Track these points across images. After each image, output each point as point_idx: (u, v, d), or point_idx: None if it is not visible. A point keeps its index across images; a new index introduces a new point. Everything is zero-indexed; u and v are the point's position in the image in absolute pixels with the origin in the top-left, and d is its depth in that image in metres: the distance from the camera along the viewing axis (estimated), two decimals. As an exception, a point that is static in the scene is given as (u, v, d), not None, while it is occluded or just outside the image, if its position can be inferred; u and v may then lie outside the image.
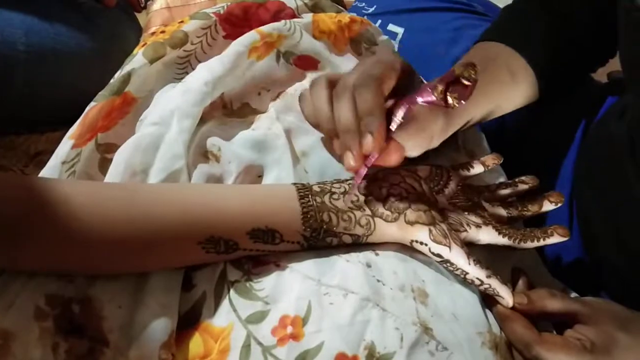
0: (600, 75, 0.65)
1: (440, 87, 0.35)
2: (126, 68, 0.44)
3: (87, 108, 0.42)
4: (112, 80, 0.44)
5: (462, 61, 0.40)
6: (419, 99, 0.35)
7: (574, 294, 0.44)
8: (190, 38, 0.47)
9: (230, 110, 0.47)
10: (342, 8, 0.62)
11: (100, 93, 0.42)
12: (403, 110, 0.36)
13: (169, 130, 0.40)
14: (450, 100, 0.35)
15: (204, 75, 0.44)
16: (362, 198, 0.37)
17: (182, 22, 0.48)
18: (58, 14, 0.60)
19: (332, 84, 0.39)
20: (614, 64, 0.50)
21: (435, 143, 0.43)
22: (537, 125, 0.63)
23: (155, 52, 0.45)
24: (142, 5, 0.72)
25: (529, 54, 0.50)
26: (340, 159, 0.38)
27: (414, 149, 0.41)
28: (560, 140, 0.60)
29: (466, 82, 0.35)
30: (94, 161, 0.41)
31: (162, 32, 0.48)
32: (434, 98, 0.35)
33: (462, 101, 0.35)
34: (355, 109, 0.36)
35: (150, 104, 0.44)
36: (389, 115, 0.37)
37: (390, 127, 0.36)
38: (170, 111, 0.41)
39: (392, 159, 0.37)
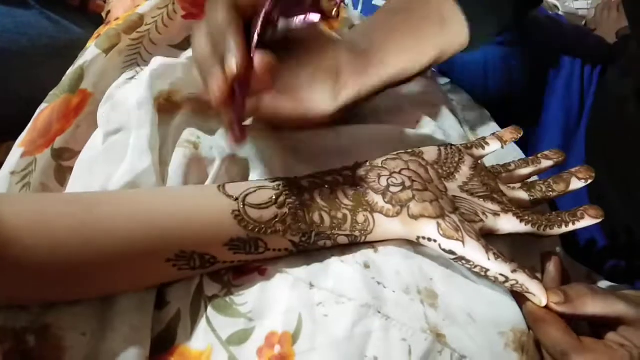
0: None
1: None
2: (78, 62, 0.39)
3: (38, 111, 0.37)
4: (64, 78, 0.39)
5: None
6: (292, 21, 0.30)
7: (603, 282, 0.39)
8: (145, 20, 0.42)
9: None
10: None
11: (51, 93, 0.38)
12: (258, 23, 0.30)
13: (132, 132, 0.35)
14: (329, 8, 0.30)
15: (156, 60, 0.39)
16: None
17: (138, 5, 0.44)
18: (3, 8, 0.55)
19: None
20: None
21: (350, 92, 0.38)
22: (544, 94, 0.58)
23: (109, 41, 0.40)
24: None
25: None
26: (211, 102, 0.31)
27: (316, 88, 0.36)
28: (571, 111, 0.56)
29: None
30: (50, 170, 0.36)
31: (117, 19, 0.43)
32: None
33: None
34: (211, 37, 0.31)
35: (107, 105, 0.39)
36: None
37: (253, 44, 0.30)
38: (128, 112, 0.36)
39: (262, 77, 0.30)
